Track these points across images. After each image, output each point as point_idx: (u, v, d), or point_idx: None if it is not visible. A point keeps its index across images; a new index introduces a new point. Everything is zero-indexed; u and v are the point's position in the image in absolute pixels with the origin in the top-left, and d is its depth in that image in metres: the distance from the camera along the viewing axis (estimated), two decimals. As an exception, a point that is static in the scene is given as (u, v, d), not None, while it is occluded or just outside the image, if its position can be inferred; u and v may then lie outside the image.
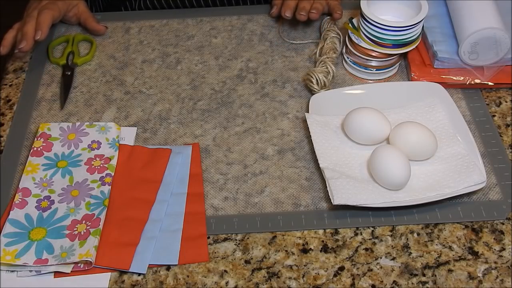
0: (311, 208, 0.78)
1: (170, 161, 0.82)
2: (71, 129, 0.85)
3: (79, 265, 0.71)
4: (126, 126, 0.88)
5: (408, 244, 0.74)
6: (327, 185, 0.76)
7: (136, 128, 0.88)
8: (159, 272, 0.72)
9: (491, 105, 0.90)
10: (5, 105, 0.92)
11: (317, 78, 0.88)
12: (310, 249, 0.74)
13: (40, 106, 0.91)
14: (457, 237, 0.75)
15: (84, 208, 0.76)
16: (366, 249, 0.74)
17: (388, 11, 0.91)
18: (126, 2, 1.11)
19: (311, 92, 0.89)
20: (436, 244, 0.74)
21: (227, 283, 0.71)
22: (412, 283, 0.71)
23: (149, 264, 0.72)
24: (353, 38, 0.91)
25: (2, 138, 0.87)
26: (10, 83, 0.95)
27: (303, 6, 0.95)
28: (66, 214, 0.76)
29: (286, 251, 0.74)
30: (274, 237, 0.75)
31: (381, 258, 0.73)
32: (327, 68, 0.90)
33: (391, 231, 0.76)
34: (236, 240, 0.75)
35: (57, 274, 0.71)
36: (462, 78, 0.90)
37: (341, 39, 0.96)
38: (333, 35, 0.95)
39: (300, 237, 0.75)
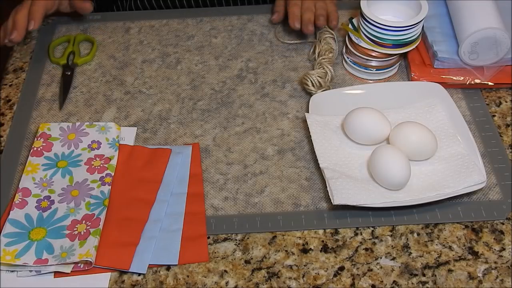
0: (311, 208, 0.78)
1: (170, 161, 0.82)
2: (71, 129, 0.85)
3: (79, 265, 0.71)
4: (126, 126, 0.88)
5: (408, 244, 0.74)
6: (327, 185, 0.76)
7: (136, 128, 0.88)
8: (159, 272, 0.72)
9: (491, 105, 0.90)
10: (5, 105, 0.92)
11: (312, 80, 0.88)
12: (310, 249, 0.74)
13: (40, 106, 0.91)
14: (457, 237, 0.75)
15: (84, 208, 0.76)
16: (366, 249, 0.74)
17: (388, 11, 0.91)
18: (118, 2, 1.11)
19: (310, 94, 0.89)
20: (436, 244, 0.74)
21: (227, 283, 0.71)
22: (412, 283, 0.71)
23: (149, 264, 0.72)
24: (353, 38, 0.91)
25: (2, 138, 0.87)
26: (10, 83, 0.95)
27: (308, 18, 0.95)
28: (66, 214, 0.76)
29: (286, 251, 0.74)
30: (274, 237, 0.75)
31: (381, 258, 0.73)
32: (324, 69, 0.90)
33: (391, 231, 0.76)
34: (236, 240, 0.75)
35: (57, 274, 0.71)
36: (462, 78, 0.90)
37: (336, 38, 0.96)
38: (327, 35, 0.95)
39: (300, 237, 0.75)
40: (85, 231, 0.74)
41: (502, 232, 0.75)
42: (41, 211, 0.76)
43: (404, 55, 0.94)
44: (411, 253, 0.73)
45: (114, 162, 0.82)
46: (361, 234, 0.75)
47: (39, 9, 0.93)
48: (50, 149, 0.83)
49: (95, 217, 0.75)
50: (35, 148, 0.83)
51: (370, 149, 0.80)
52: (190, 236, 0.75)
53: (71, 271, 0.71)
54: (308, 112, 0.85)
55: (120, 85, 0.94)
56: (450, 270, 0.72)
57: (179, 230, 0.75)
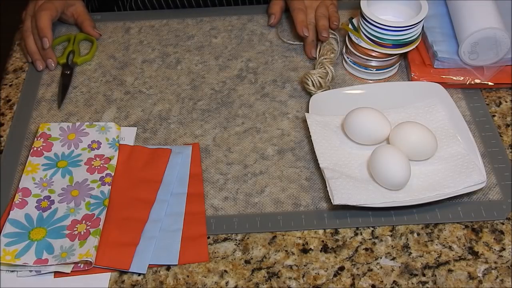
0: (311, 208, 0.78)
1: (170, 161, 0.82)
2: (71, 129, 0.85)
3: (79, 265, 0.71)
4: (126, 126, 0.88)
5: (408, 244, 0.74)
6: (327, 185, 0.76)
7: (136, 128, 0.88)
8: (159, 272, 0.72)
9: (491, 105, 0.90)
10: (5, 105, 0.92)
11: (313, 80, 0.88)
12: (310, 249, 0.74)
13: (40, 106, 0.91)
14: (457, 237, 0.75)
15: (84, 208, 0.76)
16: (366, 249, 0.74)
17: (388, 11, 0.91)
18: (119, 1, 1.11)
19: (310, 94, 0.89)
20: (436, 244, 0.74)
21: (227, 283, 0.71)
22: (412, 283, 0.71)
23: (149, 264, 0.72)
24: (353, 38, 0.91)
25: (2, 138, 0.87)
26: (10, 83, 0.95)
27: (311, 39, 0.96)
28: (66, 214, 0.76)
29: (286, 251, 0.74)
30: (274, 237, 0.75)
31: (381, 258, 0.73)
32: (325, 69, 0.90)
33: (391, 231, 0.76)
34: (236, 240, 0.75)
35: (57, 274, 0.71)
36: (462, 78, 0.90)
37: (338, 39, 0.96)
38: (330, 35, 0.95)
39: (300, 237, 0.75)
40: (85, 231, 0.74)
41: (502, 232, 0.75)
42: (41, 211, 0.76)
43: (404, 55, 0.94)
44: (411, 253, 0.74)
45: (114, 162, 0.82)
46: (361, 234, 0.75)
47: (45, 22, 0.94)
48: (50, 149, 0.83)
49: (95, 217, 0.75)
50: (35, 148, 0.83)
51: (370, 149, 0.80)
52: (190, 236, 0.75)
53: (71, 271, 0.71)
54: (308, 112, 0.85)
55: (120, 85, 0.94)
56: (450, 270, 0.72)
57: (179, 230, 0.75)
